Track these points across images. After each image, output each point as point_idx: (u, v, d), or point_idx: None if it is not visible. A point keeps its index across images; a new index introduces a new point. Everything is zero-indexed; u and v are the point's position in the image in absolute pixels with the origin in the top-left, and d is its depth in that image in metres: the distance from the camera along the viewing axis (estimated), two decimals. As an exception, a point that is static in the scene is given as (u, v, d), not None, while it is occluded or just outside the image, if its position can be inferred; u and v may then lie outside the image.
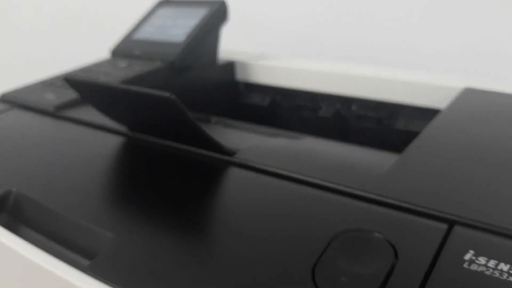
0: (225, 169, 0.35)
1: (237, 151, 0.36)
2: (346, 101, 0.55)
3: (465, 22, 0.71)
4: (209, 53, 0.60)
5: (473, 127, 0.37)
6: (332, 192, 0.30)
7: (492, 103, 0.41)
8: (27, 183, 0.37)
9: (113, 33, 0.69)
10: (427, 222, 0.27)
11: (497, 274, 0.23)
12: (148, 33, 0.62)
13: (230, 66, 0.62)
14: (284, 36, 0.87)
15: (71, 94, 0.48)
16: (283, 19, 0.87)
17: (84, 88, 0.38)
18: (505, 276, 0.23)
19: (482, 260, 0.24)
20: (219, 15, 0.60)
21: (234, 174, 0.34)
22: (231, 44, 0.66)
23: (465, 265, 0.24)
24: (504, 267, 0.23)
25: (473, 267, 0.23)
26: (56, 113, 0.47)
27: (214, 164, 0.35)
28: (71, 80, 0.37)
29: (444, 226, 0.26)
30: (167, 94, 0.32)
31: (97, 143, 0.41)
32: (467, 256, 0.24)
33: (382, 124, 0.53)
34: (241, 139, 0.42)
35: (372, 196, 0.29)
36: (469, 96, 0.43)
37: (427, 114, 0.48)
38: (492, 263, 0.23)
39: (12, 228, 0.33)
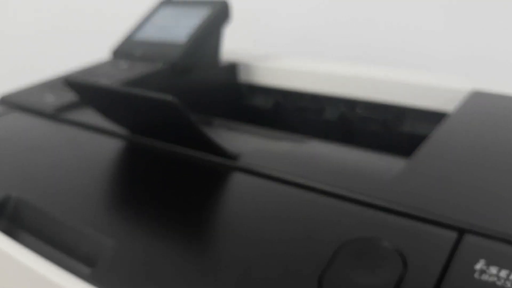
0: (228, 173, 0.34)
1: (240, 155, 0.35)
2: (350, 103, 0.54)
3: (472, 23, 0.70)
4: (211, 54, 0.59)
5: (483, 132, 0.36)
6: (339, 198, 0.30)
7: (502, 107, 0.41)
8: (27, 188, 0.36)
9: (114, 33, 0.68)
10: (436, 230, 0.26)
11: (508, 284, 0.22)
12: (149, 33, 0.61)
13: (232, 68, 0.61)
14: (287, 36, 0.86)
15: (71, 96, 0.48)
16: (287, 18, 0.86)
17: (85, 91, 0.38)
18: (517, 287, 0.22)
19: (493, 270, 0.23)
20: (221, 15, 0.59)
21: (237, 179, 0.34)
22: (233, 44, 0.65)
23: (476, 275, 0.23)
24: (516, 277, 0.23)
25: (484, 277, 0.23)
26: (56, 115, 0.46)
27: (217, 168, 0.35)
28: (72, 83, 0.37)
29: (454, 235, 0.26)
30: (169, 98, 0.31)
31: (98, 146, 0.40)
32: (478, 266, 0.23)
33: (387, 127, 0.52)
34: (244, 142, 0.42)
35: (380, 203, 0.29)
36: (478, 100, 0.42)
37: (433, 117, 0.47)
38: (503, 273, 0.23)
39: (12, 234, 0.33)
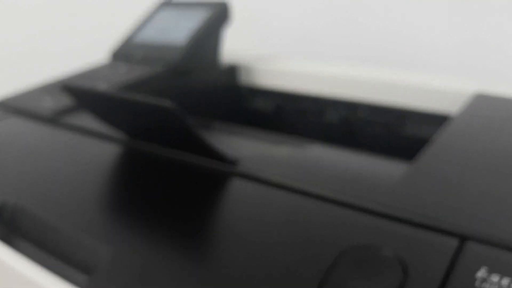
0: (227, 179, 0.34)
1: (240, 160, 0.35)
2: (352, 106, 0.54)
3: (475, 24, 0.70)
4: (211, 57, 0.59)
5: (487, 136, 0.36)
6: (339, 204, 0.30)
7: (505, 110, 0.40)
8: (24, 194, 0.36)
9: (113, 35, 0.68)
10: (438, 237, 0.26)
11: (511, 293, 0.22)
12: (149, 35, 0.61)
13: (232, 70, 0.61)
14: (287, 37, 0.86)
15: (69, 100, 0.48)
16: (287, 19, 0.86)
17: (82, 96, 0.37)
18: (520, 295, 0.22)
19: (495, 278, 0.23)
20: (221, 17, 0.59)
21: (237, 185, 0.33)
22: (234, 45, 0.65)
23: (477, 284, 0.23)
24: (518, 285, 0.22)
25: (485, 285, 0.22)
26: (54, 119, 0.46)
27: (216, 174, 0.35)
28: (69, 88, 0.36)
29: (455, 242, 0.25)
30: (167, 104, 0.31)
31: (96, 151, 0.40)
32: (480, 274, 0.23)
33: (389, 130, 0.52)
34: (244, 146, 0.41)
35: (381, 210, 0.28)
36: (481, 103, 0.42)
37: (435, 119, 0.47)
38: (505, 281, 0.22)
39: (8, 241, 0.33)
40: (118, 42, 0.63)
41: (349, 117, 0.54)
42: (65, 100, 0.48)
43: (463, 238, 0.25)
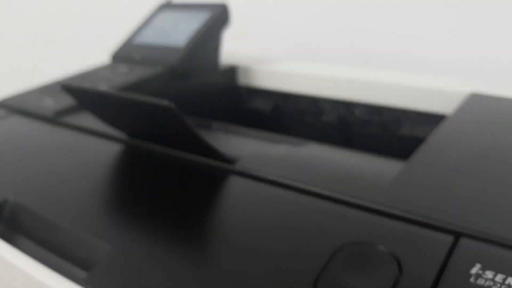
0: (225, 177, 0.34)
1: (238, 159, 0.35)
2: (349, 106, 0.54)
3: (470, 26, 0.70)
4: (210, 58, 0.59)
5: (481, 135, 0.36)
6: (335, 202, 0.30)
7: (499, 109, 0.40)
8: (24, 192, 0.36)
9: (115, 37, 0.68)
10: (432, 234, 0.26)
11: (504, 289, 0.22)
12: (149, 37, 0.61)
13: (232, 71, 0.61)
14: (286, 40, 0.86)
15: (70, 100, 0.48)
16: (285, 23, 0.86)
17: (82, 96, 0.38)
18: (513, 291, 0.22)
19: (489, 274, 0.23)
20: (221, 19, 0.59)
21: (235, 183, 0.33)
22: (233, 48, 0.65)
23: (472, 280, 0.23)
24: (512, 281, 0.22)
25: (480, 281, 0.23)
26: (55, 119, 0.46)
27: (215, 173, 0.35)
28: (69, 87, 0.37)
29: (450, 238, 0.25)
30: (165, 103, 0.31)
31: (96, 150, 0.40)
32: (474, 270, 0.23)
33: (386, 130, 0.52)
34: (242, 145, 0.42)
35: (376, 207, 0.28)
36: (475, 102, 0.42)
37: (432, 119, 0.47)
38: (499, 278, 0.23)
39: (8, 238, 0.33)
40: (118, 44, 0.63)
41: (346, 117, 0.55)
42: (66, 100, 0.48)
43: (457, 235, 0.26)
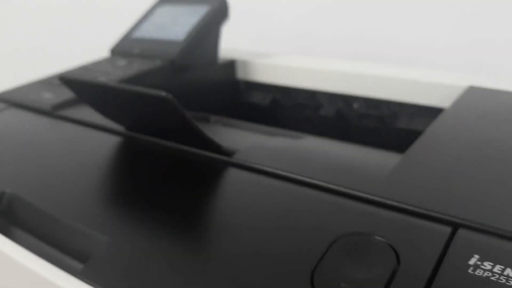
0: (223, 169, 0.34)
1: (236, 151, 0.35)
2: (347, 100, 0.54)
3: (469, 17, 0.70)
4: (209, 52, 0.59)
5: (478, 127, 0.36)
6: (333, 193, 0.30)
7: (496, 102, 0.40)
8: (21, 184, 0.36)
9: (114, 32, 0.68)
10: (430, 225, 0.26)
11: (503, 280, 0.22)
12: (148, 31, 0.61)
13: (230, 65, 0.61)
14: (284, 33, 0.86)
15: (69, 93, 0.48)
16: (284, 15, 0.86)
17: (79, 87, 0.38)
18: (511, 282, 0.22)
19: (487, 265, 0.23)
20: (219, 13, 0.59)
21: (232, 175, 0.33)
22: (231, 42, 0.65)
23: (470, 270, 0.23)
24: (510, 272, 0.22)
25: (478, 272, 0.23)
26: (53, 112, 0.46)
27: (212, 165, 0.35)
28: (66, 79, 0.37)
29: (448, 229, 0.25)
30: (163, 94, 0.31)
31: (94, 143, 0.40)
32: (472, 261, 0.23)
33: (384, 123, 0.52)
34: (240, 138, 0.41)
35: (374, 198, 0.28)
36: (473, 95, 0.42)
37: (430, 113, 0.47)
38: (498, 268, 0.23)
39: (5, 230, 0.33)
40: (117, 38, 0.63)
41: (344, 111, 0.54)
42: (65, 93, 0.48)
43: (455, 226, 0.25)
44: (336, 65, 0.55)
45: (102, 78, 0.52)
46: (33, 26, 1.08)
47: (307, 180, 0.31)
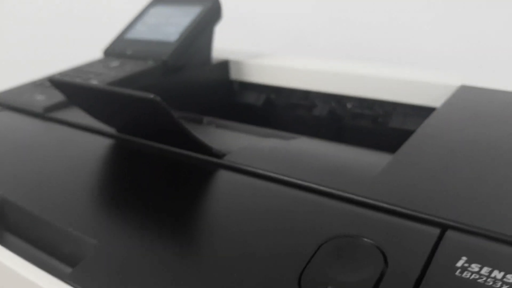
0: (213, 172, 0.34)
1: (226, 153, 0.35)
2: (341, 100, 0.54)
3: (461, 18, 0.70)
4: (202, 52, 0.59)
5: (468, 126, 0.36)
6: (322, 195, 0.30)
7: (487, 101, 0.40)
8: (11, 186, 0.36)
9: (109, 33, 0.68)
10: (418, 226, 0.26)
11: (490, 282, 0.22)
12: (141, 32, 0.61)
13: (224, 65, 0.61)
14: (277, 34, 0.86)
15: (61, 95, 0.48)
16: (277, 16, 0.86)
17: (69, 90, 0.37)
18: (498, 284, 0.22)
19: (475, 267, 0.23)
20: (212, 14, 0.59)
21: (223, 177, 0.33)
22: (225, 42, 0.65)
23: (457, 273, 0.23)
24: (498, 274, 0.22)
25: (466, 274, 0.22)
26: (45, 114, 0.46)
27: (203, 167, 0.35)
28: (56, 82, 0.36)
29: (436, 231, 0.25)
30: (151, 96, 0.31)
31: (85, 146, 0.40)
32: (460, 263, 0.23)
33: (377, 123, 0.52)
34: (232, 140, 0.41)
35: (363, 199, 0.28)
36: (464, 94, 0.42)
37: (423, 112, 0.47)
38: (485, 271, 0.22)
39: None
40: (110, 40, 0.63)
41: (338, 111, 0.54)
42: (57, 96, 0.48)
43: (444, 228, 0.25)
44: (329, 65, 0.55)
45: (94, 80, 0.52)
46: (26, 28, 1.08)
47: (297, 181, 0.31)
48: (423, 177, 0.30)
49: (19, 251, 0.31)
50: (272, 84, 0.59)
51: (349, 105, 0.54)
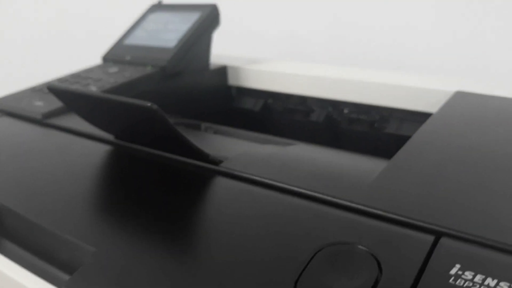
0: (210, 178, 0.34)
1: (223, 160, 0.35)
2: (337, 105, 0.54)
3: (458, 24, 0.70)
4: (201, 58, 0.59)
5: (464, 132, 0.36)
6: (317, 202, 0.30)
7: (483, 106, 0.40)
8: (9, 193, 0.36)
9: (108, 39, 0.68)
10: (413, 233, 0.26)
11: (483, 289, 0.22)
12: (139, 38, 0.61)
13: (222, 71, 0.61)
14: (275, 39, 0.86)
15: (60, 102, 0.48)
16: (275, 22, 0.86)
17: (67, 97, 0.38)
18: (491, 292, 0.22)
19: (468, 274, 0.23)
20: (211, 20, 0.59)
21: (219, 184, 0.33)
22: (223, 48, 0.65)
23: (451, 280, 0.23)
24: (491, 282, 0.22)
25: (459, 282, 0.23)
26: (43, 121, 0.46)
27: (200, 174, 0.35)
28: (54, 89, 0.37)
29: (430, 238, 0.25)
30: (148, 104, 0.31)
31: (83, 152, 0.40)
32: (453, 271, 0.23)
33: (374, 128, 0.52)
34: (230, 146, 0.42)
35: (358, 207, 0.28)
36: (459, 100, 0.42)
37: (419, 118, 0.47)
38: (478, 278, 0.23)
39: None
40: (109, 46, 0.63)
41: (335, 116, 0.55)
42: (56, 102, 0.48)
43: (438, 235, 0.25)
44: (326, 71, 0.55)
45: (93, 85, 0.52)
46: (27, 32, 1.08)
47: (293, 188, 0.31)
48: (417, 183, 0.30)
49: (16, 258, 0.31)
50: (269, 90, 0.59)
51: (346, 111, 0.54)
